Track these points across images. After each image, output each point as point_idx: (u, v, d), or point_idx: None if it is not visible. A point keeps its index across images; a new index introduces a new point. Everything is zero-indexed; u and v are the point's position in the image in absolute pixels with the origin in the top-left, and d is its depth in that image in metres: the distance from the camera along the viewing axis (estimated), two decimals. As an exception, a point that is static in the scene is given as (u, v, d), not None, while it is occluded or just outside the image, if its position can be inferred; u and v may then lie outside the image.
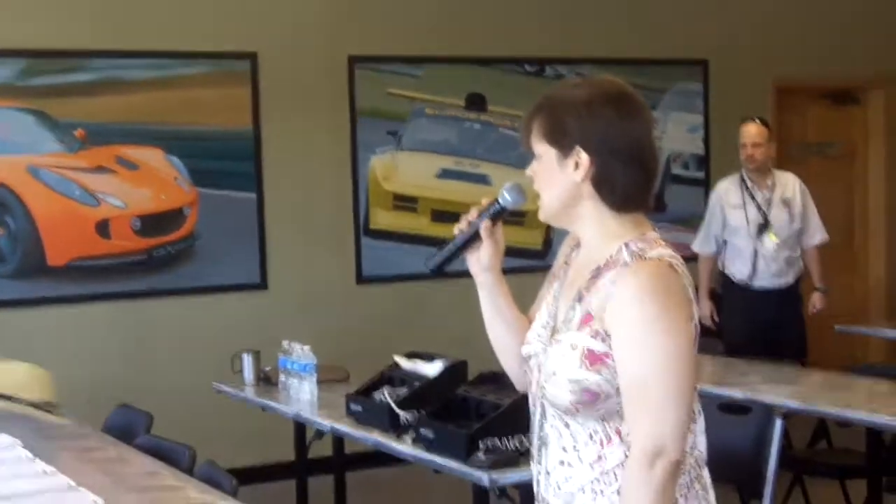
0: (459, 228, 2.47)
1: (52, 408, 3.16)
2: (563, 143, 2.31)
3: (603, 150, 2.28)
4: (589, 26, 8.03)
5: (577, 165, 2.30)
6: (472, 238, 2.47)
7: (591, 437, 2.29)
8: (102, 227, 6.80)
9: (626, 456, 2.26)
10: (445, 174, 7.61)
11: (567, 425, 2.32)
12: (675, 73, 8.28)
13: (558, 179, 2.33)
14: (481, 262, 2.47)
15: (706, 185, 8.38)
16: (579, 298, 2.32)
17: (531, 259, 7.03)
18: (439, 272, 2.53)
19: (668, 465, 2.19)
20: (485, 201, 2.49)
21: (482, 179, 7.59)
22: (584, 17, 8.02)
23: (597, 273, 2.30)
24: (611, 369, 2.23)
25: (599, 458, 2.29)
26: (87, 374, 6.71)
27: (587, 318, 2.28)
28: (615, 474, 2.27)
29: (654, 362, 2.19)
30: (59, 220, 6.71)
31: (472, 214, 2.47)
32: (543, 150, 2.35)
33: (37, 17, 6.70)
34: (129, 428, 4.68)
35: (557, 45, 7.91)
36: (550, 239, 7.47)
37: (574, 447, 2.32)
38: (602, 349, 2.24)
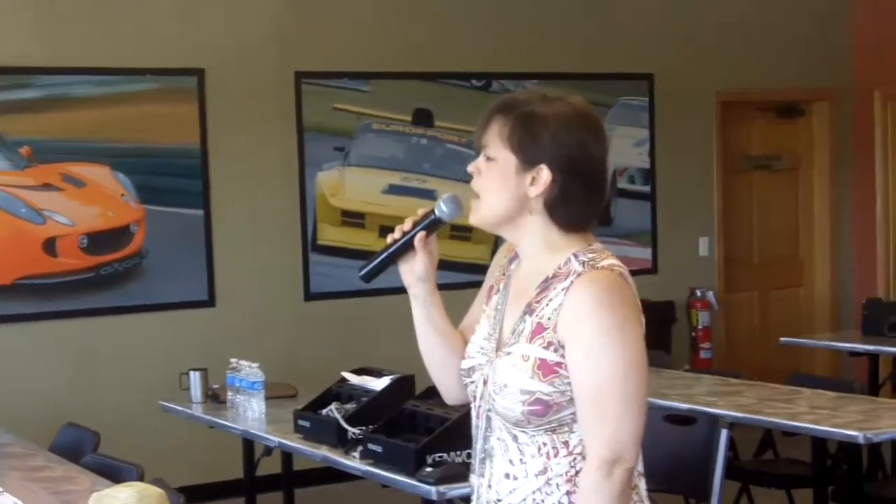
0: (393, 238, 2.47)
1: None
2: (528, 154, 2.29)
3: (568, 171, 2.28)
4: (535, 41, 8.07)
5: (534, 180, 2.30)
6: (405, 248, 2.46)
7: (538, 449, 2.31)
8: (49, 246, 6.75)
9: (572, 467, 2.28)
10: (392, 189, 7.63)
11: (515, 438, 2.33)
12: (621, 88, 8.35)
13: (509, 188, 2.31)
14: (415, 272, 2.46)
15: (652, 199, 8.46)
16: (529, 310, 2.32)
17: (477, 274, 6.97)
18: (370, 279, 2.51)
19: (626, 473, 2.22)
20: (421, 212, 2.47)
21: (429, 195, 7.60)
22: (530, 32, 8.06)
23: (545, 284, 2.31)
24: (563, 380, 2.25)
25: (545, 469, 2.31)
26: (33, 393, 6.66)
27: (538, 329, 2.28)
28: (557, 484, 2.29)
29: (611, 371, 2.21)
30: (5, 239, 6.66)
31: (407, 225, 2.46)
32: (501, 155, 2.32)
33: (-19, 35, 6.65)
34: (76, 447, 4.65)
35: (504, 60, 7.95)
36: (498, 254, 7.48)
37: (521, 460, 2.33)
38: (555, 359, 2.26)
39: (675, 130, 8.54)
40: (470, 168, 2.39)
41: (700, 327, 8.46)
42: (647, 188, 8.47)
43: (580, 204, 2.31)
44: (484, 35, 7.93)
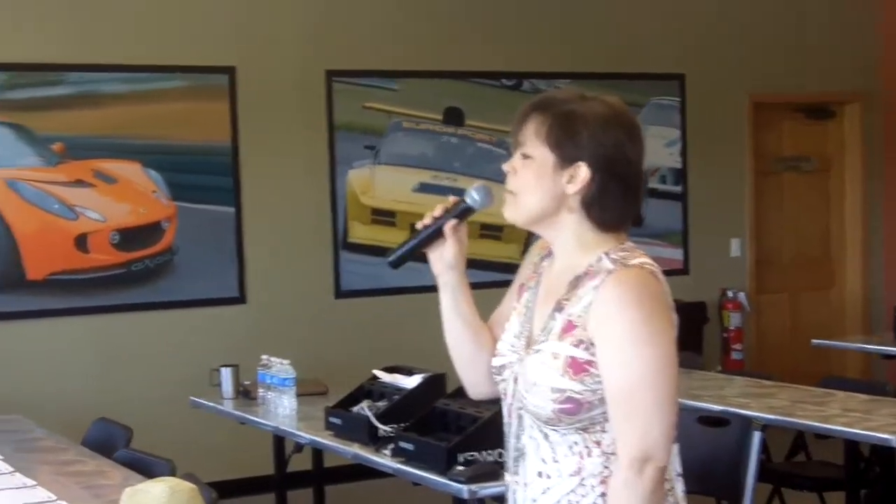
0: (423, 224, 2.46)
1: None
2: (566, 151, 2.28)
3: (606, 170, 2.28)
4: (567, 40, 8.06)
5: (571, 178, 2.29)
6: (435, 235, 2.44)
7: (570, 448, 2.29)
8: (81, 241, 6.78)
9: (605, 467, 2.26)
10: (423, 188, 7.62)
11: (546, 436, 2.32)
12: (653, 88, 8.32)
13: (547, 185, 2.30)
14: (445, 259, 2.45)
15: (684, 200, 8.43)
16: (559, 308, 2.31)
17: (508, 273, 6.95)
18: (398, 266, 2.50)
19: (657, 472, 2.20)
20: (451, 199, 2.47)
21: (459, 194, 7.54)
22: (561, 32, 8.05)
23: (576, 282, 2.30)
24: (594, 378, 2.24)
25: (578, 469, 2.29)
26: (65, 388, 6.70)
27: (569, 327, 2.27)
28: (591, 485, 2.28)
29: (641, 369, 2.20)
30: (37, 234, 6.69)
31: (437, 211, 2.45)
32: (539, 153, 2.31)
33: (15, 32, 6.69)
34: (107, 442, 4.66)
35: (535, 60, 7.94)
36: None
37: (553, 458, 2.31)
38: (585, 357, 2.24)
39: (707, 131, 8.51)
40: (505, 166, 2.38)
41: (731, 328, 8.43)
42: (678, 188, 8.44)
43: (616, 204, 2.30)
44: (515, 34, 7.92)
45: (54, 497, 3.59)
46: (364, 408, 4.50)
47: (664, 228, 8.29)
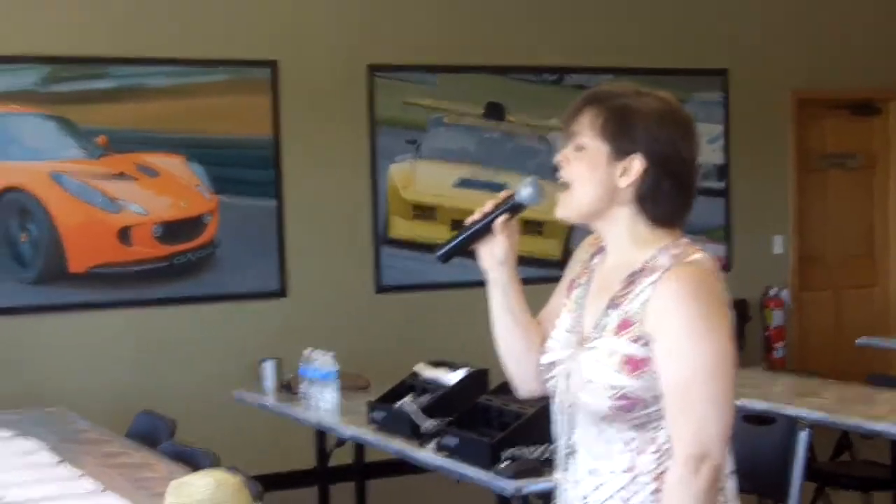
0: (473, 219, 2.43)
1: None
2: (621, 144, 2.27)
3: (660, 164, 2.26)
4: (609, 35, 8.02)
5: (625, 171, 2.27)
6: (485, 230, 2.42)
7: (624, 445, 2.27)
8: (124, 234, 6.81)
9: (659, 464, 2.24)
10: (464, 183, 7.60)
11: (599, 433, 2.30)
12: (696, 83, 8.26)
13: (600, 177, 2.29)
14: (495, 255, 2.43)
15: (726, 196, 8.38)
16: (614, 305, 2.29)
17: (549, 269, 7.01)
18: (447, 260, 2.48)
19: (712, 470, 2.18)
20: (502, 195, 2.44)
21: (500, 188, 7.50)
22: (604, 26, 8.01)
23: (632, 278, 2.28)
24: (650, 375, 2.22)
25: (631, 466, 2.27)
26: (108, 381, 6.73)
27: (625, 324, 2.25)
28: (644, 482, 2.26)
29: (698, 366, 2.18)
30: (80, 227, 6.72)
31: (488, 207, 2.43)
32: (592, 144, 2.29)
33: (59, 25, 6.72)
34: (151, 434, 4.68)
35: (577, 54, 7.90)
36: (569, 249, 7.43)
37: (606, 456, 2.29)
38: (643, 354, 2.22)
39: (750, 127, 8.45)
40: (558, 157, 2.36)
41: (773, 326, 8.37)
42: (721, 185, 8.39)
43: (669, 200, 2.29)
44: (557, 29, 7.89)
45: (101, 487, 3.60)
46: (407, 403, 4.48)
47: (706, 225, 8.24)
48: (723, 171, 8.39)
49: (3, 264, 6.59)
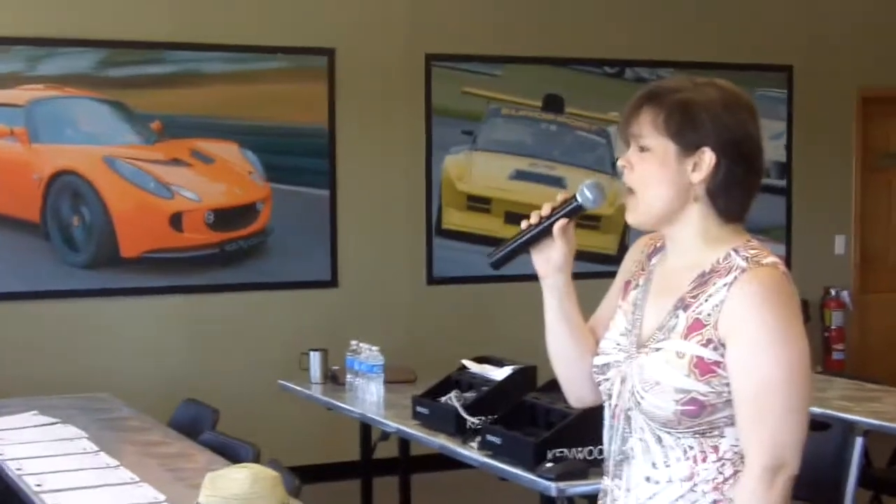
0: (529, 223, 2.34)
1: None
2: (688, 138, 2.18)
3: (730, 154, 2.19)
4: (671, 29, 7.90)
5: (696, 166, 2.19)
6: (541, 235, 2.32)
7: (685, 452, 2.19)
8: (176, 220, 6.80)
9: (720, 473, 2.16)
10: (520, 175, 7.52)
11: (659, 440, 2.21)
12: (759, 79, 8.11)
13: (670, 176, 2.20)
14: (552, 261, 2.34)
15: (788, 194, 8.23)
16: (683, 306, 2.20)
17: (605, 265, 6.89)
18: (500, 266, 2.38)
19: (787, 482, 2.10)
20: (560, 197, 2.35)
21: (557, 182, 7.47)
22: (666, 19, 7.90)
23: (703, 279, 2.20)
24: (721, 379, 2.13)
25: (691, 475, 2.19)
26: (156, 367, 6.73)
27: (696, 326, 2.17)
28: (703, 491, 2.17)
29: (775, 373, 2.09)
30: (133, 212, 6.72)
31: (545, 210, 2.34)
32: (657, 143, 2.20)
33: (116, 9, 6.71)
34: (194, 423, 4.65)
35: (639, 48, 7.79)
36: (626, 244, 7.34)
37: (665, 463, 2.21)
38: (713, 358, 2.14)
39: (814, 124, 8.29)
40: (620, 163, 2.27)
41: (833, 328, 8.23)
42: (782, 182, 8.24)
43: (741, 189, 2.21)
44: (619, 21, 7.78)
45: (137, 479, 3.57)
46: (452, 398, 4.41)
47: (766, 223, 8.09)
48: (785, 169, 8.24)
49: (55, 248, 6.60)
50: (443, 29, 7.40)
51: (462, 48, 7.42)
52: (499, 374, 4.51)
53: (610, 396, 2.31)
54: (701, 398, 2.14)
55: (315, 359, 5.41)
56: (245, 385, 6.79)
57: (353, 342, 5.15)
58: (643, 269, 2.35)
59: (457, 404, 4.34)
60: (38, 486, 3.52)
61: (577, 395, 2.45)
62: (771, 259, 2.17)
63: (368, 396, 4.95)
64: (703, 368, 2.14)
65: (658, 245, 2.34)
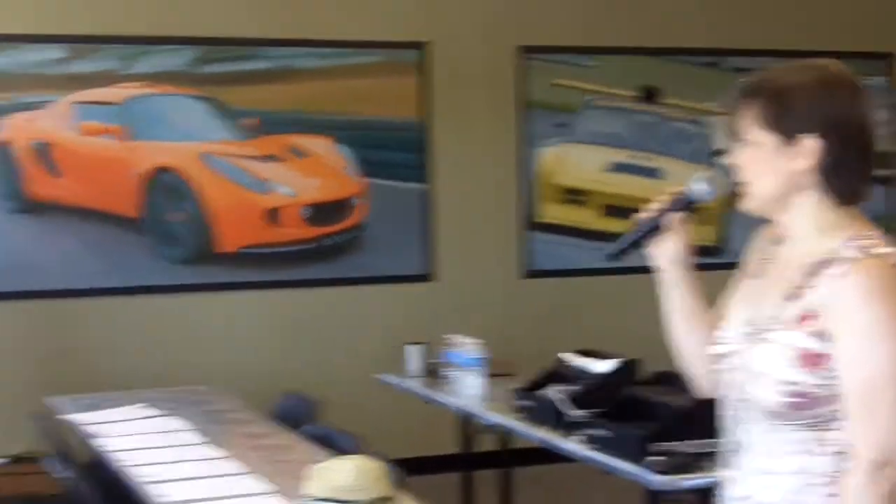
0: (645, 216, 2.32)
1: (388, 502, 3.15)
2: (788, 128, 2.13)
3: (836, 136, 2.12)
4: (767, 17, 7.77)
5: (799, 154, 2.13)
6: (657, 228, 2.31)
7: (797, 445, 2.13)
8: (272, 215, 6.83)
9: (835, 468, 2.10)
10: (616, 168, 7.45)
11: (771, 431, 2.16)
12: (858, 67, 7.88)
13: (777, 168, 2.15)
14: (669, 255, 2.32)
15: (891, 184, 8.05)
16: (793, 296, 2.15)
17: (704, 256, 6.73)
18: (616, 259, 2.37)
19: (894, 477, 2.03)
20: (674, 190, 2.32)
21: (654, 173, 7.39)
22: (762, 8, 7.77)
23: (814, 269, 2.13)
24: (829, 371, 2.08)
25: (803, 468, 2.13)
26: (253, 361, 6.77)
27: (805, 317, 2.11)
28: (816, 486, 2.12)
29: (884, 365, 2.03)
30: (230, 208, 6.76)
31: (660, 203, 2.32)
32: (760, 137, 2.16)
33: (211, 6, 6.76)
34: (295, 415, 4.66)
35: (734, 37, 7.68)
36: (725, 235, 7.23)
37: (778, 455, 2.16)
38: (821, 349, 2.08)
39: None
40: (729, 160, 2.24)
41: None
42: (886, 172, 8.06)
43: (851, 171, 2.14)
44: (714, 10, 7.67)
45: (245, 470, 3.57)
46: (554, 391, 4.37)
47: (868, 213, 7.92)
48: (888, 159, 8.05)
49: (152, 244, 6.66)
50: (535, 21, 7.35)
51: (555, 40, 7.35)
52: (601, 367, 4.45)
53: (726, 386, 2.27)
54: (808, 390, 2.09)
55: (414, 352, 5.40)
56: (340, 378, 6.80)
57: (453, 336, 5.12)
58: (762, 259, 2.31)
59: (559, 397, 4.30)
60: (147, 477, 3.54)
61: (701, 385, 2.41)
62: (883, 250, 2.10)
63: (469, 389, 4.92)
64: (810, 360, 2.09)
65: (778, 234, 2.29)
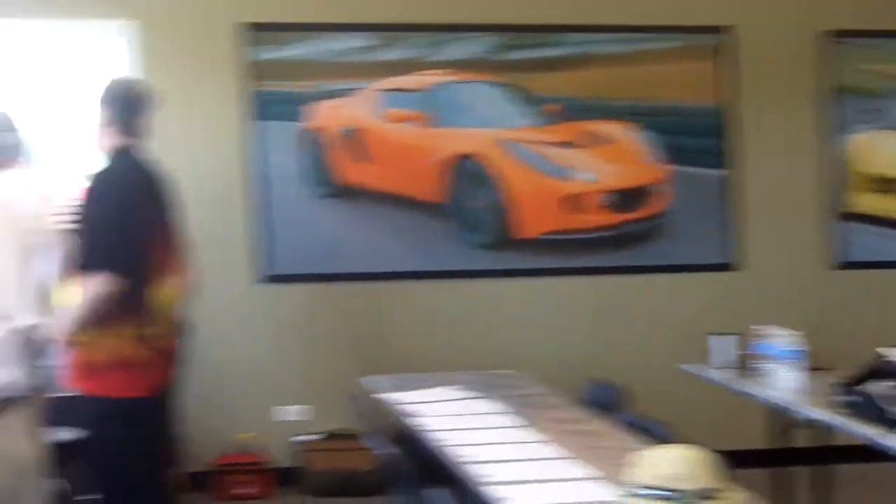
0: None
1: (716, 492, 3.12)
2: None
3: None
4: None
5: None
6: None
7: None
8: (572, 202, 6.81)
9: None
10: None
11: None
12: None
13: None
14: None
15: None
16: None
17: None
18: None
19: None
20: None
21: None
22: None
23: None
24: None
25: None
26: (556, 347, 6.79)
27: None
28: None
29: None
30: (530, 194, 6.78)
31: None
32: None
33: (516, -7, 6.81)
34: (604, 403, 4.62)
35: None
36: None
37: None
38: None
39: None
40: None
41: None
42: None
43: None
44: None
45: (566, 455, 3.56)
46: (877, 387, 4.18)
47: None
48: None
49: (456, 229, 6.74)
50: (843, 4, 7.08)
51: (871, 23, 7.06)
52: (930, 362, 4.23)
53: None
54: None
55: (721, 343, 5.27)
56: (641, 367, 6.72)
57: (762, 327, 4.97)
58: None
59: (879, 392, 4.10)
60: (466, 458, 3.56)
61: None
62: None
63: (786, 383, 4.76)
64: None
65: None
